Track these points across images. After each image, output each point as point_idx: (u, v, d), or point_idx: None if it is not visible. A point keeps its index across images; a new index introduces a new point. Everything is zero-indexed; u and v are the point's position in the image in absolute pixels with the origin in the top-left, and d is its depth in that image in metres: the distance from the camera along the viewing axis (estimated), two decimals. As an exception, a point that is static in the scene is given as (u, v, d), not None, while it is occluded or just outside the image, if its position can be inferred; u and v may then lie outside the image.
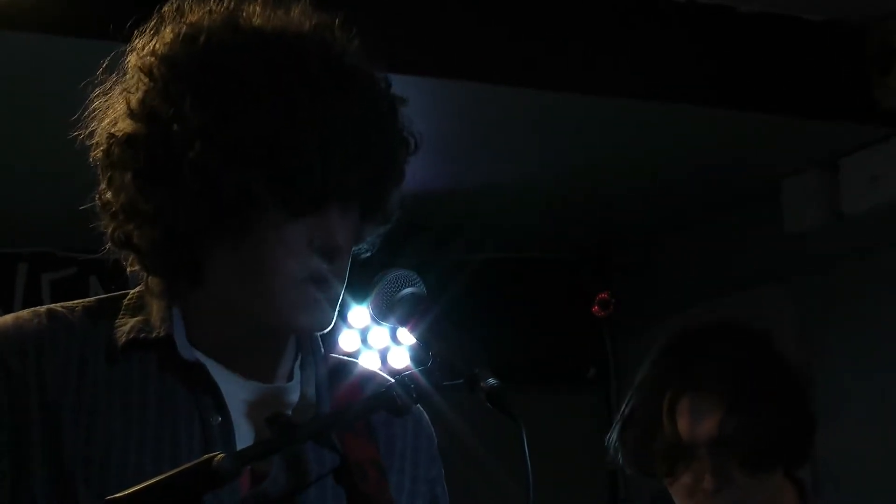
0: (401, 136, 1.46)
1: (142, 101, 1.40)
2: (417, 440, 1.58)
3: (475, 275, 4.85)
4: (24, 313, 1.44)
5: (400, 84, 1.49)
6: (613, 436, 2.19)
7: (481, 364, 1.37)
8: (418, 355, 1.41)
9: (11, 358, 1.39)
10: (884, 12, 3.84)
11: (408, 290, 1.46)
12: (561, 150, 4.17)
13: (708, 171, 4.37)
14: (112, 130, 1.42)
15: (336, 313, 1.44)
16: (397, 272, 1.47)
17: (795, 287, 4.49)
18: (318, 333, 1.51)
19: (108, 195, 1.43)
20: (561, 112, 3.81)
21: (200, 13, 1.43)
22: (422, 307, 1.43)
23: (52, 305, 1.45)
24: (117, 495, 1.20)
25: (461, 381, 1.37)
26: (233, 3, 1.45)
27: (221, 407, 1.41)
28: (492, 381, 1.35)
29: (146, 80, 1.41)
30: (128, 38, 1.47)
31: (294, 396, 1.49)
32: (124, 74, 1.45)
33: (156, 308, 1.45)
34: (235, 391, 1.44)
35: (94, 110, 1.45)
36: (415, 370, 1.38)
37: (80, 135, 1.47)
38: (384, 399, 1.37)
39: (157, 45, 1.42)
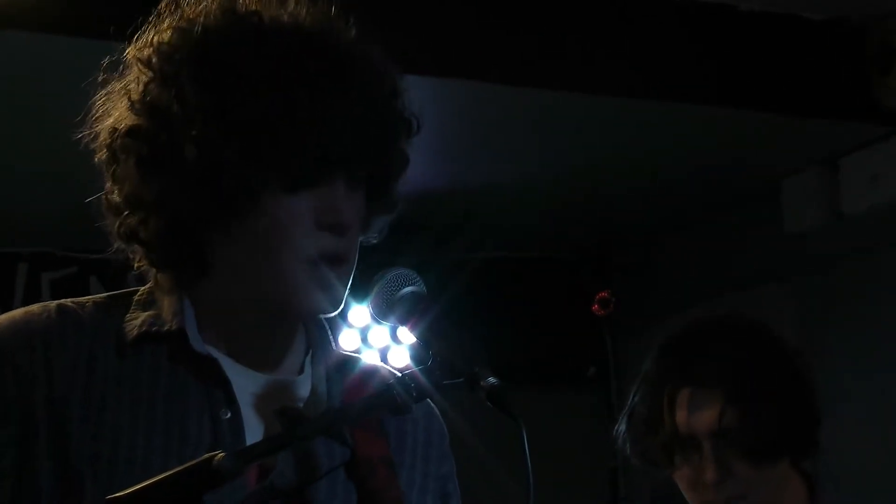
0: (402, 115, 1.46)
1: (142, 94, 1.41)
2: (429, 436, 1.58)
3: (475, 274, 4.85)
4: (34, 307, 1.44)
5: (400, 83, 1.49)
6: (621, 427, 2.20)
7: (481, 363, 1.37)
8: (418, 354, 1.41)
9: (19, 353, 1.39)
10: (884, 11, 3.84)
11: (408, 289, 1.46)
12: (561, 149, 4.17)
13: (708, 171, 4.37)
14: (115, 125, 1.43)
15: (346, 295, 1.44)
16: (397, 271, 1.47)
17: (795, 287, 4.49)
18: (327, 317, 1.50)
19: (114, 193, 1.44)
20: (561, 111, 3.81)
21: (198, 7, 1.44)
22: (422, 306, 1.43)
23: (63, 300, 1.46)
24: (118, 494, 1.20)
25: (461, 380, 1.37)
26: None
27: (232, 401, 1.41)
28: (492, 380, 1.35)
29: (146, 71, 1.42)
30: (128, 38, 1.47)
31: (304, 390, 1.49)
32: (125, 69, 1.45)
33: (167, 303, 1.45)
34: (245, 384, 1.44)
35: (96, 111, 1.46)
36: (415, 369, 1.38)
37: (80, 134, 1.47)
38: (384, 398, 1.37)
39: (155, 38, 1.43)
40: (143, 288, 1.50)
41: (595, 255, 5.33)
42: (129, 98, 1.42)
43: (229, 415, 1.40)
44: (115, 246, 1.46)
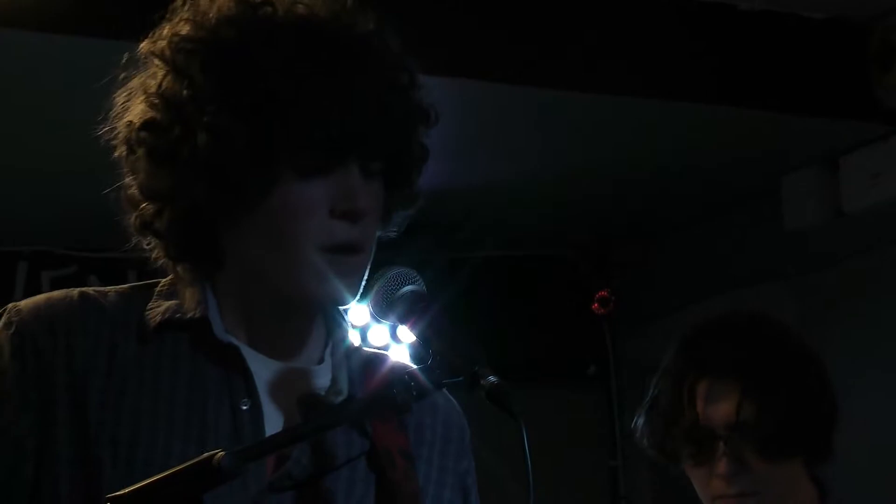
0: (417, 103, 1.46)
1: (157, 87, 1.42)
2: (448, 431, 1.58)
3: (475, 272, 4.85)
4: (57, 293, 1.45)
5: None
6: (640, 420, 2.20)
7: (481, 361, 1.37)
8: (418, 353, 1.41)
9: (41, 337, 1.40)
10: (885, 10, 3.84)
11: (408, 288, 1.46)
12: (561, 148, 4.17)
13: (708, 170, 4.37)
14: (131, 119, 1.43)
15: (362, 285, 1.44)
16: (397, 270, 1.47)
17: (795, 285, 4.49)
18: (343, 308, 1.51)
19: (132, 187, 1.44)
20: (561, 110, 3.81)
21: (211, 4, 1.44)
22: (422, 305, 1.43)
23: (85, 288, 1.46)
24: (118, 493, 1.20)
25: (461, 378, 1.37)
26: None
27: (252, 391, 1.42)
28: (492, 378, 1.35)
29: (160, 64, 1.43)
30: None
31: (323, 380, 1.49)
32: (142, 65, 1.46)
33: (189, 293, 1.46)
34: (264, 372, 1.44)
35: (115, 108, 1.47)
36: (415, 368, 1.38)
37: (100, 131, 1.48)
38: (384, 398, 1.37)
39: (169, 30, 1.44)
40: (164, 280, 1.50)
41: (595, 252, 5.32)
42: (146, 92, 1.43)
43: (249, 403, 1.41)
44: (134, 241, 1.47)
